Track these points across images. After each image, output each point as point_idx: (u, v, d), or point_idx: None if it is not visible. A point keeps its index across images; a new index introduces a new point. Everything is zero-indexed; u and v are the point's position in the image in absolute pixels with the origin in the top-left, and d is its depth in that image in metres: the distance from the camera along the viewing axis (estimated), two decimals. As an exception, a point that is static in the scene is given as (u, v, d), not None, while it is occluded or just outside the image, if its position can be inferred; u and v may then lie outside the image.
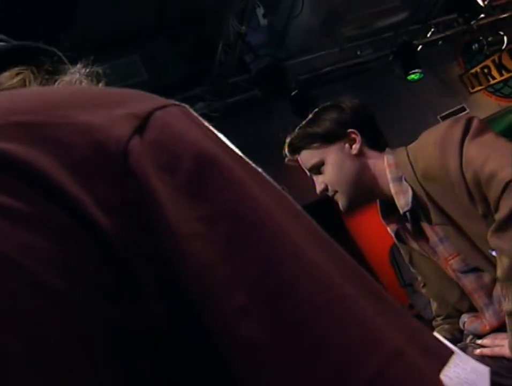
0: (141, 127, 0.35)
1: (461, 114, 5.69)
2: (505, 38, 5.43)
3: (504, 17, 5.67)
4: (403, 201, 1.40)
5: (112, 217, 0.31)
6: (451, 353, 0.34)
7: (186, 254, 0.31)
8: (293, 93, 4.56)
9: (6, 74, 0.49)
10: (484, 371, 1.22)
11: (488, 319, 1.43)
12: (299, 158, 1.55)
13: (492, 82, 5.98)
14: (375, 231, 5.74)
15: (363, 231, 5.50)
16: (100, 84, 0.56)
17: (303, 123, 1.56)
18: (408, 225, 1.48)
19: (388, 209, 1.55)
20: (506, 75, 5.97)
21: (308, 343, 0.30)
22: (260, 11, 4.05)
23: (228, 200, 0.33)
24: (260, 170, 0.38)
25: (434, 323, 1.70)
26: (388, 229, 1.60)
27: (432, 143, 1.34)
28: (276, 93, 4.38)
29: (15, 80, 0.49)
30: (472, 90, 5.98)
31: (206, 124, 0.39)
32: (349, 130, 1.48)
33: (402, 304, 4.35)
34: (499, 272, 1.23)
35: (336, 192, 1.49)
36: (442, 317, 1.64)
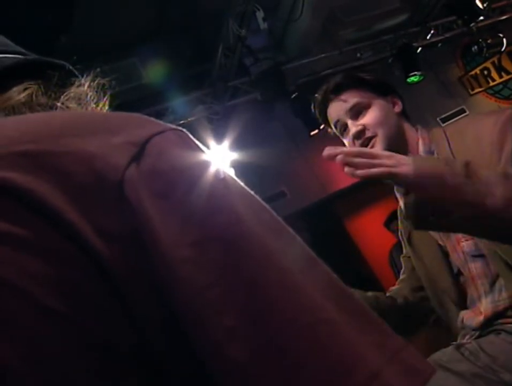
0: (138, 154, 0.36)
1: (460, 116, 5.70)
2: (504, 40, 5.44)
3: (504, 20, 5.69)
4: None
5: (109, 244, 0.33)
6: (434, 371, 0.35)
7: (178, 278, 0.32)
8: (293, 96, 4.57)
9: (15, 89, 0.50)
10: None
11: (484, 306, 1.44)
12: (337, 99, 1.54)
13: (492, 84, 5.99)
14: (375, 234, 5.75)
15: (363, 233, 5.51)
16: (106, 96, 0.57)
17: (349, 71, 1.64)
18: None
19: None
20: (505, 77, 5.98)
21: (288, 365, 0.32)
22: (260, 14, 4.06)
23: (218, 225, 0.34)
24: (249, 191, 0.39)
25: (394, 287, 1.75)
26: (399, 202, 1.59)
27: (493, 123, 1.33)
28: (275, 96, 4.39)
29: (22, 95, 0.50)
30: (471, 92, 5.99)
31: (201, 147, 0.41)
32: (393, 94, 1.56)
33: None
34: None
35: (374, 136, 1.47)
36: (405, 288, 1.69)
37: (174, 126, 0.41)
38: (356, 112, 1.50)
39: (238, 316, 0.32)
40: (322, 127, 4.52)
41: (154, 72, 4.32)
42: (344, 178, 5.10)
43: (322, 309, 0.33)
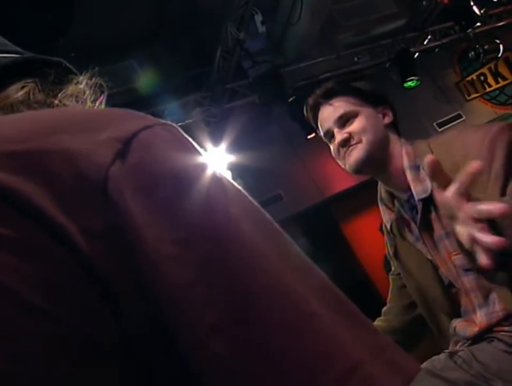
0: (123, 150, 0.36)
1: (456, 121, 5.72)
2: (501, 46, 5.47)
3: (501, 26, 5.72)
4: (420, 188, 1.42)
5: (94, 243, 0.33)
6: (419, 368, 0.35)
7: (161, 275, 0.32)
8: (290, 99, 4.59)
9: (13, 87, 0.50)
10: None
11: (479, 319, 1.44)
12: (328, 104, 1.55)
13: (488, 89, 6.02)
14: (370, 237, 5.76)
15: (359, 237, 5.52)
16: (103, 95, 0.58)
17: (342, 80, 1.62)
18: (409, 217, 1.49)
19: (388, 197, 1.57)
20: (502, 83, 6.01)
21: (271, 358, 0.32)
22: (259, 18, 4.08)
23: (202, 223, 0.34)
24: (240, 189, 0.39)
25: (383, 310, 1.76)
26: (384, 215, 1.61)
27: (481, 140, 1.33)
28: (273, 99, 4.40)
29: (20, 93, 0.50)
30: (468, 98, 6.01)
31: (192, 143, 0.40)
32: (385, 105, 1.55)
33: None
34: None
35: (359, 142, 1.49)
36: (394, 309, 1.72)
37: (164, 121, 0.40)
38: (344, 121, 1.52)
39: (220, 314, 0.32)
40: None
41: (152, 73, 4.33)
42: (341, 182, 5.11)
43: (307, 307, 0.34)
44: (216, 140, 4.36)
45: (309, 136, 4.58)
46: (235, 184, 0.40)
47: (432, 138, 1.51)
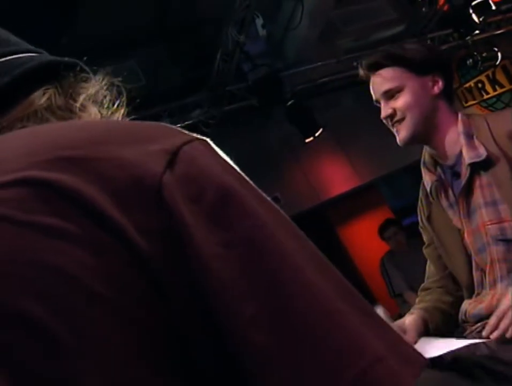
0: (171, 161, 0.40)
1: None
2: (499, 54, 5.50)
3: (499, 34, 5.75)
4: (472, 153, 1.45)
5: (149, 240, 0.37)
6: (426, 360, 0.40)
7: (208, 271, 0.37)
8: (289, 103, 4.60)
9: (36, 94, 0.53)
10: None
11: (499, 290, 1.45)
12: (375, 76, 1.56)
13: (486, 97, 6.05)
14: (366, 241, 5.77)
15: (355, 241, 5.53)
16: (120, 98, 0.60)
17: (391, 47, 1.62)
18: (449, 182, 1.52)
19: (432, 161, 1.59)
20: (499, 91, 6.04)
21: (305, 348, 0.36)
22: (259, 21, 4.10)
23: (243, 228, 0.39)
24: (266, 197, 0.44)
25: (423, 286, 1.72)
26: (424, 177, 1.62)
27: None
28: (272, 102, 4.42)
29: (43, 100, 0.53)
30: (465, 104, 6.04)
31: (223, 155, 0.45)
32: (435, 73, 1.54)
33: (392, 313, 4.38)
34: None
35: (402, 119, 1.51)
36: (436, 282, 1.67)
37: (198, 136, 0.45)
38: (390, 95, 1.53)
39: (260, 306, 0.36)
40: (317, 134, 4.56)
41: (152, 75, 4.34)
42: (337, 186, 5.14)
43: (334, 301, 0.38)
44: (215, 142, 4.36)
45: (307, 140, 4.60)
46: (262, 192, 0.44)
47: (489, 114, 1.54)
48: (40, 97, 0.53)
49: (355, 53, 5.12)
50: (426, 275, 1.74)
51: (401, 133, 1.53)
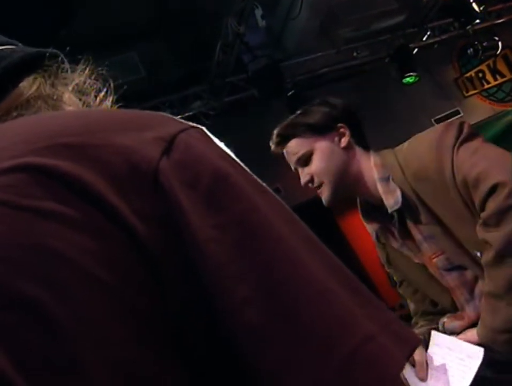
0: (168, 148, 0.41)
1: (455, 117, 5.74)
2: (500, 43, 5.49)
3: (500, 23, 5.74)
4: (391, 201, 1.45)
5: (146, 225, 0.38)
6: (420, 340, 0.40)
7: (204, 254, 0.38)
8: (289, 93, 4.60)
9: (23, 84, 0.54)
10: (477, 352, 1.28)
11: (468, 313, 1.49)
12: (286, 148, 1.58)
13: (486, 86, 6.04)
14: (367, 231, 5.78)
15: (356, 231, 5.54)
16: (107, 83, 0.61)
17: (294, 115, 1.60)
18: (391, 225, 1.53)
19: (369, 208, 1.60)
20: (500, 80, 6.03)
21: (297, 326, 0.37)
22: (259, 12, 4.09)
23: (237, 212, 0.40)
24: (260, 181, 0.45)
25: (412, 322, 1.73)
26: (368, 228, 1.65)
27: (428, 146, 1.41)
28: (272, 93, 4.42)
29: (33, 88, 0.54)
30: (466, 94, 6.04)
31: (218, 143, 0.46)
32: (340, 124, 1.54)
33: (393, 303, 4.40)
34: (484, 259, 1.31)
35: (321, 184, 1.53)
36: (418, 314, 1.69)
37: (193, 124, 0.46)
38: (303, 161, 1.55)
39: (253, 287, 0.37)
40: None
41: (152, 66, 4.34)
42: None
43: (326, 282, 0.39)
44: (215, 133, 4.36)
45: (307, 131, 4.59)
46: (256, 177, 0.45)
47: (398, 148, 1.52)
48: (30, 87, 0.54)
49: (355, 43, 5.11)
50: (411, 311, 1.75)
51: (324, 197, 1.55)
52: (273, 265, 0.38)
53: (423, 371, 1.33)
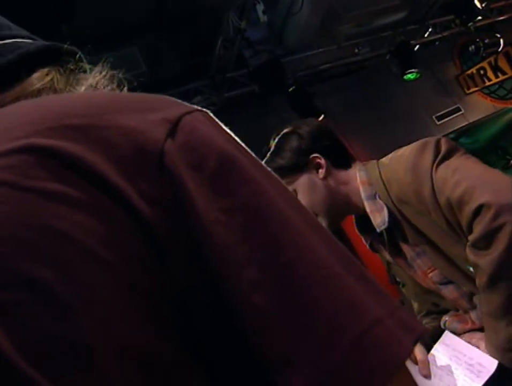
0: (173, 130, 0.41)
1: (455, 114, 5.73)
2: (501, 40, 5.48)
3: (501, 20, 5.72)
4: (379, 220, 1.43)
5: (151, 206, 0.38)
6: (424, 329, 0.41)
7: (210, 237, 0.38)
8: (290, 89, 4.60)
9: (36, 75, 0.54)
10: (490, 362, 1.27)
11: (473, 319, 1.48)
12: None
13: (488, 83, 6.03)
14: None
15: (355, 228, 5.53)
16: (121, 87, 0.61)
17: (268, 156, 1.56)
18: (384, 241, 1.51)
19: (362, 222, 1.57)
20: (501, 77, 6.02)
21: (305, 310, 0.37)
22: (260, 7, 4.07)
23: (244, 195, 0.40)
24: (266, 166, 0.45)
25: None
26: (362, 239, 1.64)
27: (404, 169, 1.37)
28: (273, 89, 4.41)
29: (45, 80, 0.54)
30: (467, 91, 6.02)
31: (223, 126, 0.46)
32: (312, 156, 1.50)
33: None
34: (478, 283, 1.28)
35: (317, 214, 1.52)
36: (422, 314, 1.68)
37: (199, 107, 0.46)
38: None
39: (261, 270, 0.37)
40: (319, 120, 4.55)
41: (153, 60, 4.33)
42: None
43: (333, 266, 0.39)
44: (216, 128, 4.36)
45: (308, 127, 4.58)
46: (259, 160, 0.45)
47: (382, 160, 1.49)
48: (43, 78, 0.54)
49: (356, 39, 5.10)
50: (415, 311, 1.74)
51: (323, 224, 1.49)
52: (280, 248, 0.38)
53: (427, 369, 1.33)
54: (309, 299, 0.37)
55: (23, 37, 0.58)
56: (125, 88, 0.61)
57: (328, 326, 0.36)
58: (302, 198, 1.50)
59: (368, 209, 1.44)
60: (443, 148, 1.35)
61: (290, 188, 1.50)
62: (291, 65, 4.73)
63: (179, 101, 0.46)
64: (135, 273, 0.36)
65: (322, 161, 1.50)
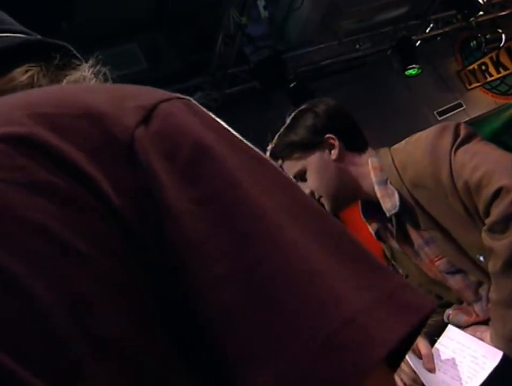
0: (147, 117, 0.40)
1: (457, 110, 5.72)
2: (503, 35, 5.46)
3: (503, 15, 5.70)
4: (389, 204, 1.43)
5: (122, 196, 0.36)
6: (430, 306, 0.37)
7: (179, 228, 0.36)
8: (291, 85, 4.59)
9: (18, 70, 0.53)
10: (495, 354, 1.26)
11: (477, 311, 1.47)
12: (282, 166, 1.57)
13: (489, 79, 6.02)
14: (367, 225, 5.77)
15: (356, 225, 5.54)
16: (107, 83, 0.60)
17: (282, 130, 1.57)
18: (391, 227, 1.50)
19: (369, 208, 1.57)
20: (503, 73, 6.01)
21: (271, 308, 0.34)
22: (261, 3, 4.07)
23: (216, 186, 0.38)
24: (255, 151, 0.42)
25: None
26: (369, 227, 1.63)
27: (422, 152, 1.37)
28: (274, 85, 4.41)
29: (24, 76, 0.53)
30: (469, 87, 6.01)
31: (210, 114, 0.44)
32: (327, 136, 1.50)
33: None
34: (491, 268, 1.27)
35: (321, 196, 1.52)
36: None
37: (181, 95, 0.44)
38: (300, 178, 1.53)
39: (229, 265, 0.35)
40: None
41: (154, 57, 4.32)
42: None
43: (309, 260, 0.36)
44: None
45: (309, 123, 4.58)
46: (246, 142, 0.43)
47: (395, 147, 1.49)
48: (22, 74, 0.53)
49: (357, 35, 5.09)
50: None
51: (326, 207, 1.53)
52: (252, 242, 0.36)
53: (431, 362, 1.32)
54: (277, 297, 0.35)
55: (14, 32, 0.56)
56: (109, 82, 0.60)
57: (294, 327, 0.34)
58: (311, 178, 1.50)
59: (379, 194, 1.44)
60: (462, 132, 1.35)
61: (300, 165, 1.51)
62: (292, 61, 4.72)
63: (162, 90, 0.45)
64: (112, 265, 0.35)
65: (336, 142, 1.50)
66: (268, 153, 1.59)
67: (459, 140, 1.33)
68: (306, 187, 1.52)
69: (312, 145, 1.50)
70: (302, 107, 1.58)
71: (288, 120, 1.58)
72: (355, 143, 1.54)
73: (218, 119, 0.44)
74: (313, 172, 1.50)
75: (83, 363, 0.32)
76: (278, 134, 1.57)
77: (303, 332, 0.34)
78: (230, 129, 0.44)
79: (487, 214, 1.25)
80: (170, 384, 0.36)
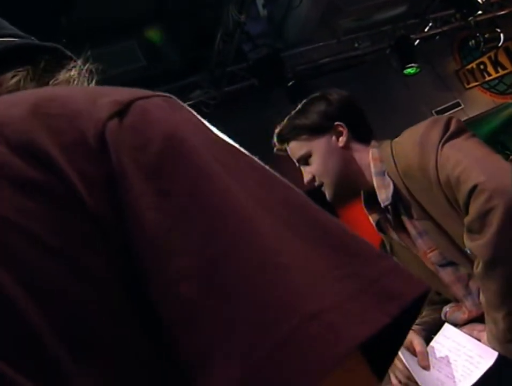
0: (122, 111, 0.40)
1: (455, 109, 5.73)
2: (502, 35, 5.46)
3: (502, 15, 5.71)
4: (384, 195, 1.45)
5: (91, 188, 0.37)
6: (420, 290, 0.35)
7: (142, 221, 0.36)
8: (290, 83, 4.59)
9: (5, 76, 0.53)
10: (490, 353, 1.27)
11: (469, 308, 1.48)
12: (287, 149, 1.59)
13: (488, 78, 6.02)
14: (367, 222, 5.79)
15: (356, 222, 5.55)
16: (94, 80, 0.60)
17: (292, 113, 1.59)
18: (390, 217, 1.52)
19: (371, 199, 1.59)
20: (501, 72, 6.01)
21: (234, 304, 0.33)
22: (260, 1, 4.07)
23: (185, 180, 0.37)
24: (232, 147, 0.42)
25: None
26: (370, 218, 1.64)
27: (412, 142, 1.39)
28: (273, 83, 4.41)
29: (10, 83, 0.53)
30: (467, 86, 6.02)
31: (191, 111, 0.43)
32: (336, 123, 1.53)
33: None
34: (475, 269, 1.28)
35: (322, 183, 1.54)
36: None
37: (163, 94, 0.44)
38: (304, 161, 1.55)
39: (192, 258, 0.35)
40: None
41: (152, 55, 4.32)
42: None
43: (278, 253, 0.35)
44: (215, 122, 4.35)
45: (307, 121, 4.58)
46: (226, 138, 0.43)
47: (396, 139, 1.51)
48: (8, 81, 0.53)
49: (356, 33, 5.09)
50: None
51: (327, 195, 1.55)
52: (216, 236, 0.35)
53: (426, 360, 1.33)
54: (240, 292, 0.33)
55: (2, 36, 0.56)
56: (93, 80, 0.59)
57: (256, 324, 0.33)
58: (316, 162, 1.52)
59: (375, 185, 1.46)
60: (453, 126, 1.36)
61: (306, 147, 1.53)
62: (290, 59, 4.73)
63: (146, 91, 0.44)
64: (81, 257, 0.35)
65: (345, 130, 1.52)
66: (275, 135, 1.60)
67: (448, 133, 1.34)
68: (308, 172, 1.55)
69: (321, 129, 1.53)
70: (316, 94, 1.61)
71: (299, 106, 1.60)
72: (362, 134, 1.56)
73: (199, 116, 0.44)
74: (318, 156, 1.52)
75: (61, 362, 0.32)
76: (287, 117, 1.59)
77: (262, 329, 0.32)
78: (210, 126, 0.43)
79: (466, 212, 1.26)
80: (148, 380, 0.36)
